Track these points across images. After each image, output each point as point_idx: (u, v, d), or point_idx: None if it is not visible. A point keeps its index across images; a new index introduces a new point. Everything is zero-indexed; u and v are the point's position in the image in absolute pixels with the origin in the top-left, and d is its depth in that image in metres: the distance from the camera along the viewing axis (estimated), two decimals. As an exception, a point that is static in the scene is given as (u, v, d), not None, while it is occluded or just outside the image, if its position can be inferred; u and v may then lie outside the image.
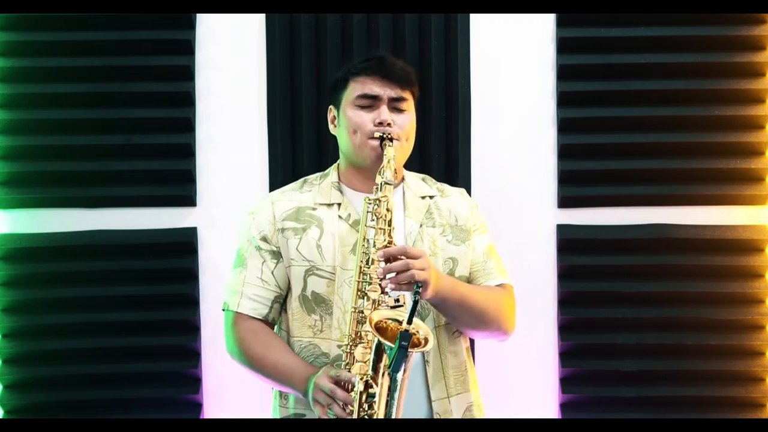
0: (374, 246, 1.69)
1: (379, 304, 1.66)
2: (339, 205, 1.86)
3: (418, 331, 1.60)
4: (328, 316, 1.80)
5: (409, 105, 1.86)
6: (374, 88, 1.82)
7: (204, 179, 2.61)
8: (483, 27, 2.59)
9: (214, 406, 2.63)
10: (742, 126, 2.57)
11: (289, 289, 1.86)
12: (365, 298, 1.68)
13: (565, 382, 2.60)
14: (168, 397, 2.59)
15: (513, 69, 2.60)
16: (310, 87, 2.56)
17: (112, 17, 2.51)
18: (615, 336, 2.58)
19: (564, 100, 2.58)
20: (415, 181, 1.97)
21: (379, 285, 1.66)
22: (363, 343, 1.66)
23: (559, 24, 2.57)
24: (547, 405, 2.63)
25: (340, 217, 1.84)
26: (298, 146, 2.58)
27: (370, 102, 1.82)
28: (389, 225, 1.72)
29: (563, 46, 2.57)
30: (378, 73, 1.83)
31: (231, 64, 2.60)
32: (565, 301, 2.60)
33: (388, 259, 1.65)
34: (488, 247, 1.96)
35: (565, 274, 2.60)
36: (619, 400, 2.58)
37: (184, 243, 2.59)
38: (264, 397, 2.14)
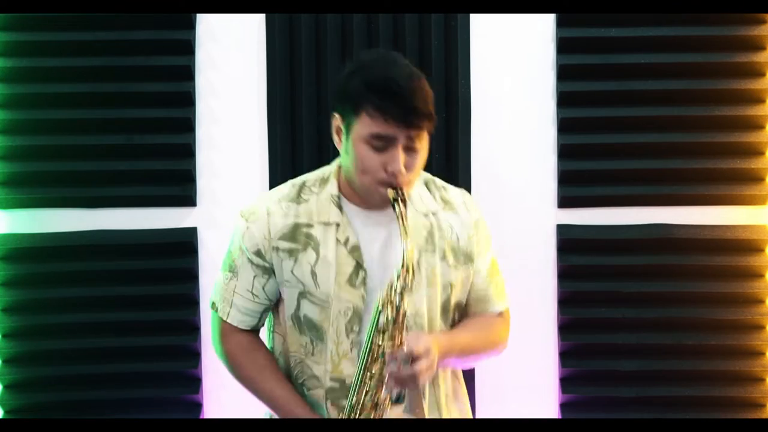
0: (382, 345, 1.62)
1: (377, 404, 1.64)
2: (337, 225, 1.75)
3: None
4: (319, 341, 1.75)
5: (425, 138, 1.68)
6: (390, 129, 1.62)
7: (204, 179, 2.61)
8: (483, 27, 2.59)
9: (214, 406, 2.63)
10: (742, 126, 2.57)
11: (281, 300, 1.81)
12: (365, 393, 1.64)
13: (565, 382, 2.60)
14: (168, 397, 2.59)
15: (513, 69, 2.60)
16: (310, 87, 2.56)
17: (112, 17, 2.51)
18: (615, 336, 2.58)
19: (564, 100, 2.58)
20: (418, 191, 1.81)
21: (381, 382, 1.63)
22: None
23: (559, 24, 2.57)
24: (547, 405, 2.63)
25: (338, 240, 1.74)
26: (298, 146, 2.58)
27: (383, 144, 1.64)
28: (401, 332, 1.62)
29: (563, 46, 2.57)
30: (396, 113, 1.62)
31: (231, 64, 2.60)
32: (565, 301, 2.60)
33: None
34: (490, 267, 1.86)
35: (565, 274, 2.60)
36: (619, 400, 2.58)
37: (184, 243, 2.59)
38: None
